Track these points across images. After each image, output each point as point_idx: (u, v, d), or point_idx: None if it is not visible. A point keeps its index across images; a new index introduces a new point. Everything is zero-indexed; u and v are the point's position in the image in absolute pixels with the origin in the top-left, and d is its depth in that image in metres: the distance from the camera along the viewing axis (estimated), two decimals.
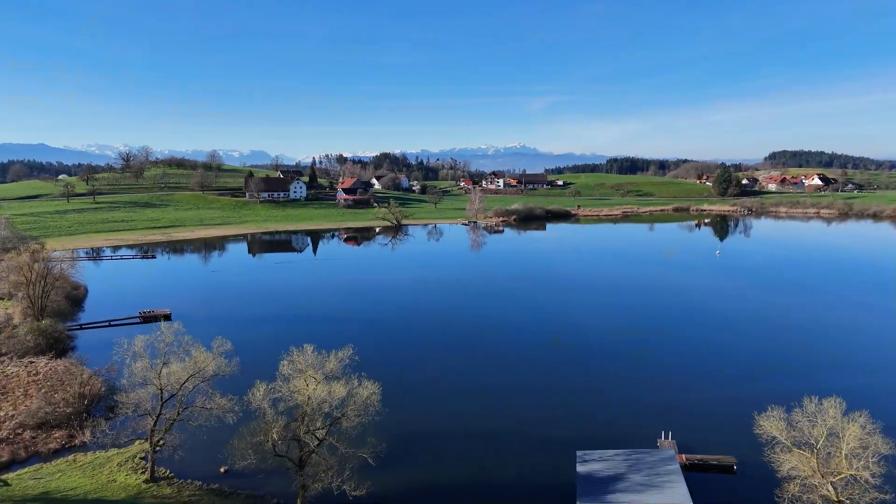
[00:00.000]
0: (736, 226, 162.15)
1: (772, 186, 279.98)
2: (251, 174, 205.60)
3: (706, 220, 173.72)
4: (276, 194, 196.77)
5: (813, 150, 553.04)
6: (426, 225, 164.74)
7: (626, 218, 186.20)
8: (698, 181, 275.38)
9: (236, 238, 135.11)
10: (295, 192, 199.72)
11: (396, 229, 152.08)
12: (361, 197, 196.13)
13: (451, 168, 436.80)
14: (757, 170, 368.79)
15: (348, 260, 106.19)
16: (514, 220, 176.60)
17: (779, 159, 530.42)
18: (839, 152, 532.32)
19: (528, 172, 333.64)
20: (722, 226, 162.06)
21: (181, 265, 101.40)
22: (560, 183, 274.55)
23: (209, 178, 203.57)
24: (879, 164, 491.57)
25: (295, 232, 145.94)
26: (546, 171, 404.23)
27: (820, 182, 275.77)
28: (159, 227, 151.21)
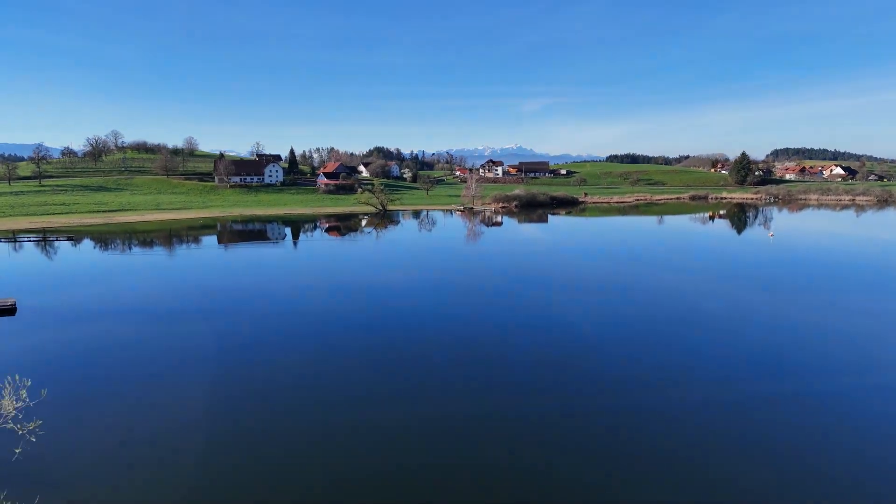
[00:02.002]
0: (757, 216, 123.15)
1: (790, 177, 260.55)
2: (222, 156, 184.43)
3: (721, 212, 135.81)
4: (248, 178, 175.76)
5: (816, 147, 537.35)
6: (417, 213, 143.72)
7: (636, 209, 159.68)
8: (712, 170, 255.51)
9: (187, 222, 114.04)
10: (270, 176, 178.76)
11: (382, 216, 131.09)
12: (344, 182, 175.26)
13: (448, 163, 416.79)
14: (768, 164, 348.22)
15: (299, 249, 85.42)
16: (515, 206, 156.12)
17: (781, 157, 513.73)
18: (842, 150, 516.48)
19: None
20: (741, 217, 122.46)
21: (85, 249, 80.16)
22: (563, 172, 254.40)
23: (175, 162, 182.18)
24: (893, 162, 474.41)
25: (263, 218, 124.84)
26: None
27: (843, 172, 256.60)
28: (105, 212, 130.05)
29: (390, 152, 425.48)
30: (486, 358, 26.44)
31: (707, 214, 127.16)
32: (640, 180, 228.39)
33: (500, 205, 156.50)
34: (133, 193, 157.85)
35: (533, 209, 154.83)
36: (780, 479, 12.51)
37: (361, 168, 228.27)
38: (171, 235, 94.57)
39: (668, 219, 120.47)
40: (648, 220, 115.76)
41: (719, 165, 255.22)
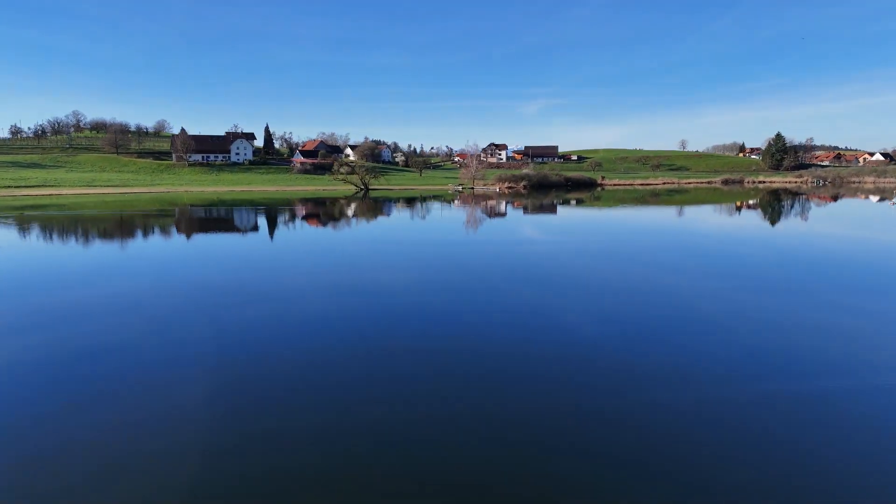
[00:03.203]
0: (795, 204, 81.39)
1: (824, 163, 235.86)
2: (183, 131, 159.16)
3: (751, 202, 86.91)
4: (211, 156, 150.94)
5: (826, 144, 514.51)
6: (409, 198, 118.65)
7: (657, 197, 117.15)
8: (741, 154, 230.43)
9: (119, 200, 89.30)
10: (237, 153, 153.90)
11: (363, 198, 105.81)
12: (323, 161, 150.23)
13: (448, 156, 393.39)
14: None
15: (259, 236, 60.35)
16: (524, 187, 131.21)
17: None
18: (853, 147, 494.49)
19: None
20: (775, 206, 78.31)
21: None
22: (574, 158, 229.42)
23: (126, 139, 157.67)
24: None
25: (215, 198, 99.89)
26: None
27: (882, 158, 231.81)
28: (20, 187, 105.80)
29: (387, 144, 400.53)
30: (483, 356, 16.32)
31: (735, 204, 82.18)
32: (662, 165, 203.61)
33: (507, 185, 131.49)
34: (70, 170, 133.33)
35: (544, 191, 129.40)
36: (779, 478, 9.93)
37: (348, 151, 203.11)
38: (84, 216, 69.61)
39: (691, 210, 74.88)
40: (670, 212, 74.65)
41: (748, 150, 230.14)
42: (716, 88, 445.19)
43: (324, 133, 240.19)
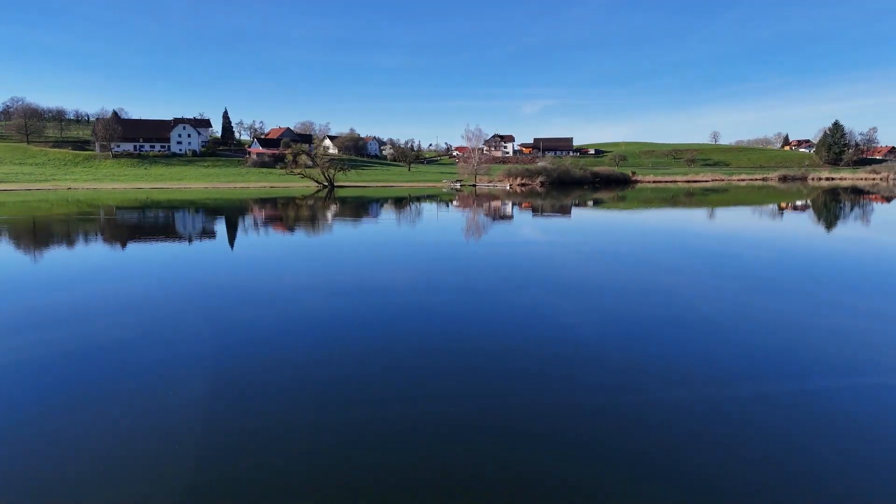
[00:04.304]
0: (855, 207, 51.08)
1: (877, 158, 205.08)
2: (115, 114, 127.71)
3: (799, 202, 59.19)
4: (146, 145, 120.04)
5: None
6: (389, 198, 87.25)
7: (691, 196, 74.38)
8: (786, 147, 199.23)
9: None
10: (180, 142, 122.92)
11: (327, 196, 74.78)
12: (285, 152, 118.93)
13: (448, 154, 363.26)
14: None
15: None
16: (541, 184, 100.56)
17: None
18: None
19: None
20: (831, 208, 50.55)
21: None
22: (591, 152, 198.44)
23: (39, 126, 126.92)
24: None
25: (140, 200, 68.45)
26: None
27: None
28: None
29: (376, 138, 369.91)
30: (483, 358, 14.96)
31: (777, 205, 48.92)
32: (697, 160, 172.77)
33: (519, 181, 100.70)
34: None
35: (567, 189, 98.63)
36: (779, 478, 9.32)
37: (327, 142, 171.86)
38: None
39: (723, 212, 43.44)
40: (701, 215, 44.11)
41: (794, 142, 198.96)
42: (717, 88, 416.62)
43: (301, 123, 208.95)
